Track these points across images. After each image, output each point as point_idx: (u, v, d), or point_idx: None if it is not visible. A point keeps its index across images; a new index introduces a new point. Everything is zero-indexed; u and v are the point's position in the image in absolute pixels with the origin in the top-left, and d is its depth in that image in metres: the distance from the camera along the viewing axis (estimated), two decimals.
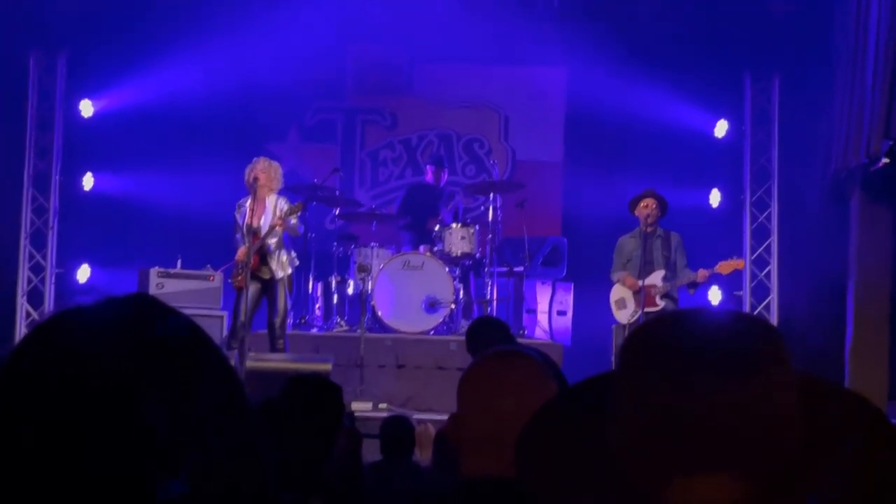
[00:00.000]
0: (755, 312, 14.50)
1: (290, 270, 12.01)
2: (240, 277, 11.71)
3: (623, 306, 12.36)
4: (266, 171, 11.94)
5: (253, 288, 11.73)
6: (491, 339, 7.64)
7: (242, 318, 11.69)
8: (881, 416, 1.62)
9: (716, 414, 1.50)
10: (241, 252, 11.80)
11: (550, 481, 1.64)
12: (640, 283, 12.12)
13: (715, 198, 14.96)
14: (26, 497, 1.33)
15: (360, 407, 11.43)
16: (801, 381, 1.59)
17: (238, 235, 12.04)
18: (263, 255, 11.85)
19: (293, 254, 12.13)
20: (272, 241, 11.81)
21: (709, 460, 1.51)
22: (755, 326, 1.59)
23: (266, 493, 1.44)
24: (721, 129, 14.99)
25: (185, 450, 1.37)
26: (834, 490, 1.55)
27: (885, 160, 12.55)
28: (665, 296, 12.16)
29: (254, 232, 11.81)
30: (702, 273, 12.04)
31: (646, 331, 1.62)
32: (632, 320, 12.19)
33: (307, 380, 3.94)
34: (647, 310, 12.01)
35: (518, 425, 1.85)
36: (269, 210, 11.87)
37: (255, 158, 12.07)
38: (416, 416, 10.54)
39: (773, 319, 14.48)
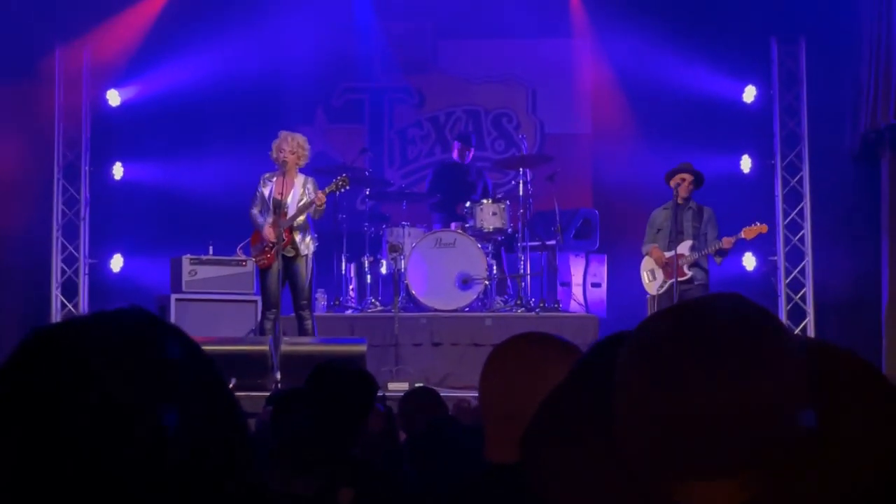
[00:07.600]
0: (790, 276, 14.46)
1: (312, 249, 11.83)
2: (269, 255, 11.64)
3: (653, 278, 12.38)
4: (294, 147, 11.77)
5: (277, 266, 11.60)
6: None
7: (272, 298, 11.69)
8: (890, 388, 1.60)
9: (715, 416, 1.48)
10: (269, 229, 11.66)
11: (557, 480, 1.62)
12: (667, 254, 12.12)
13: (746, 164, 14.82)
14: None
15: (396, 387, 11.38)
16: (812, 354, 1.57)
17: (255, 210, 11.85)
18: (292, 232, 11.69)
19: (314, 235, 11.94)
20: (300, 219, 11.66)
21: (714, 461, 1.49)
22: (751, 319, 1.56)
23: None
24: (749, 94, 14.86)
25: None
26: (850, 470, 1.53)
27: None
28: (694, 265, 12.15)
29: (280, 208, 11.63)
30: (726, 240, 12.01)
31: (641, 333, 1.60)
32: (660, 291, 12.21)
33: (332, 367, 3.91)
34: (677, 280, 12.01)
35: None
36: (297, 188, 11.72)
37: (280, 133, 11.95)
38: (455, 393, 10.54)
39: (809, 282, 14.41)
